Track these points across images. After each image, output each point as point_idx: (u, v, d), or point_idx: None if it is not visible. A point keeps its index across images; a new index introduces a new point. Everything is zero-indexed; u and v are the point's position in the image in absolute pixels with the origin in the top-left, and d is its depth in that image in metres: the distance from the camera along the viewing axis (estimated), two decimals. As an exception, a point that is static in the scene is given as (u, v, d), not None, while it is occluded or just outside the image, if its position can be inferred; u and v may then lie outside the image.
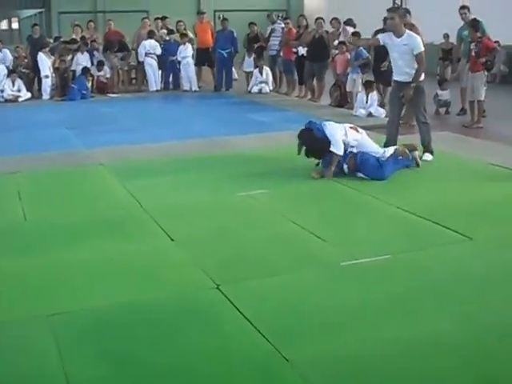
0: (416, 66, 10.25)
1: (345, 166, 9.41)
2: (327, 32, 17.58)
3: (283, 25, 19.51)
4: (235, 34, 20.28)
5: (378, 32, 16.16)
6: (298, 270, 6.18)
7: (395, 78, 10.71)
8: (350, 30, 17.67)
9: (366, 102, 14.97)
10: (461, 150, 11.30)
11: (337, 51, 17.05)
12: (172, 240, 6.97)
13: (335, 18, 18.36)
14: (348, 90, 16.54)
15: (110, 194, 8.92)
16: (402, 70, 10.40)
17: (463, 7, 15.49)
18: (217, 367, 4.49)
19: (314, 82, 17.97)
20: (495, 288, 5.76)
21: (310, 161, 9.74)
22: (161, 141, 12.28)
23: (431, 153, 10.57)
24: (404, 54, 10.25)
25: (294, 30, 18.80)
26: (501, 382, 4.30)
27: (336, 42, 17.19)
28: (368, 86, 15.18)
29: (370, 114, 14.76)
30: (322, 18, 17.65)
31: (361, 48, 15.93)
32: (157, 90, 20.53)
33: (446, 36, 23.27)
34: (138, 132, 13.63)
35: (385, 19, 16.70)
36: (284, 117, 15.08)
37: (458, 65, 16.17)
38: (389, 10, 10.48)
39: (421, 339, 4.79)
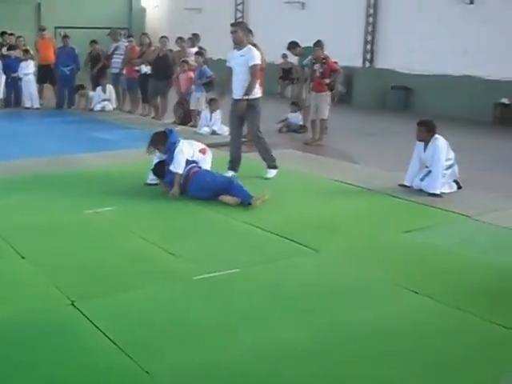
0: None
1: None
2: (171, 50, 17.73)
3: (127, 43, 19.48)
4: (77, 51, 20.09)
5: (198, 53, 16.50)
6: (151, 284, 6.26)
7: (233, 96, 10.69)
8: (194, 49, 17.92)
9: (210, 120, 15.18)
10: (305, 167, 11.72)
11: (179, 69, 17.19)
12: (23, 258, 6.87)
13: (180, 37, 18.55)
14: (192, 108, 16.68)
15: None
16: (240, 85, 10.43)
17: (292, 45, 16.04)
18: (77, 385, 4.49)
19: (158, 99, 18.05)
20: (339, 297, 6.08)
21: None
22: (2, 159, 11.89)
23: (274, 168, 10.71)
24: (241, 66, 10.39)
25: (138, 48, 18.81)
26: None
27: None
28: (212, 104, 15.38)
29: (213, 132, 15.00)
30: (165, 37, 17.77)
31: (205, 66, 16.19)
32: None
33: (285, 56, 24.02)
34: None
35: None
36: (128, 135, 15.09)
37: (299, 85, 16.72)
38: (232, 25, 10.60)
39: (273, 348, 5.00)
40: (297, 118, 16.88)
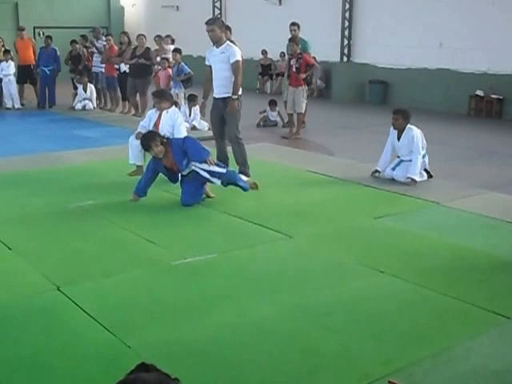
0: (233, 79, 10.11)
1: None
2: (149, 48, 17.88)
3: (105, 42, 19.64)
4: (58, 52, 20.30)
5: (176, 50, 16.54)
6: (132, 270, 6.57)
7: (215, 95, 10.43)
8: (171, 47, 18.20)
9: (189, 116, 15.49)
10: (281, 159, 12.07)
11: (159, 67, 17.41)
12: (10, 249, 7.16)
13: (158, 36, 18.80)
14: (171, 104, 16.95)
15: None
16: (222, 83, 10.18)
17: (293, 23, 16.04)
18: (66, 361, 4.76)
19: (138, 97, 18.29)
20: (311, 278, 6.43)
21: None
22: (-14, 157, 12.24)
23: (245, 174, 10.16)
24: (221, 63, 10.12)
25: (116, 47, 19.02)
26: (319, 353, 4.88)
27: (158, 59, 17.57)
28: (191, 100, 15.68)
29: (193, 127, 15.30)
30: (143, 35, 17.92)
31: (183, 64, 16.47)
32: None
33: (265, 52, 24.30)
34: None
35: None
36: (109, 132, 15.38)
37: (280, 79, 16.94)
38: (207, 23, 10.17)
39: (248, 324, 5.35)
40: (275, 116, 17.20)
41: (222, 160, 10.21)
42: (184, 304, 5.72)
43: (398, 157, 10.45)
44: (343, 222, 8.34)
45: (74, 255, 6.99)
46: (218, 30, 10.11)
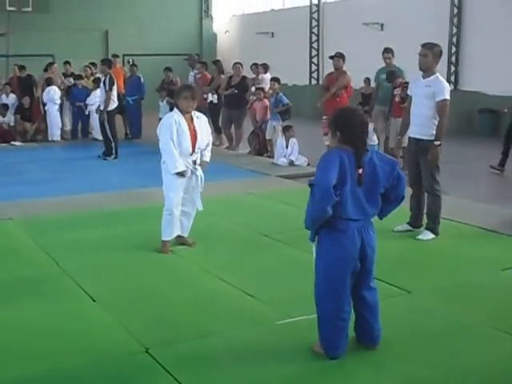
0: (437, 118, 8.69)
1: None
2: (246, 77, 17.19)
3: (196, 70, 18.91)
4: (142, 80, 19.75)
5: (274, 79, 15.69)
6: (231, 330, 5.86)
7: (411, 133, 9.01)
8: (266, 76, 17.55)
9: (286, 148, 14.59)
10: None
11: (254, 97, 16.70)
12: (94, 301, 6.54)
13: (255, 64, 18.11)
14: (268, 137, 16.06)
15: (22, 252, 8.30)
16: (421, 121, 8.79)
17: (387, 50, 15.09)
18: None
19: (232, 129, 17.50)
20: (436, 345, 5.56)
21: (231, 214, 9.73)
22: (73, 193, 11.57)
23: (433, 232, 8.81)
24: (424, 99, 8.72)
25: (209, 76, 18.32)
26: None
27: (253, 89, 16.87)
28: (287, 130, 14.80)
29: (291, 163, 14.40)
30: (239, 63, 17.19)
31: (281, 94, 15.68)
32: (62, 138, 19.43)
33: (367, 80, 23.47)
34: (48, 184, 12.84)
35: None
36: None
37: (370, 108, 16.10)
38: (424, 46, 8.96)
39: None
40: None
41: (414, 214, 9.06)
42: (298, 377, 4.99)
43: None
44: (465, 274, 7.42)
45: (166, 310, 6.33)
46: (432, 57, 8.83)
